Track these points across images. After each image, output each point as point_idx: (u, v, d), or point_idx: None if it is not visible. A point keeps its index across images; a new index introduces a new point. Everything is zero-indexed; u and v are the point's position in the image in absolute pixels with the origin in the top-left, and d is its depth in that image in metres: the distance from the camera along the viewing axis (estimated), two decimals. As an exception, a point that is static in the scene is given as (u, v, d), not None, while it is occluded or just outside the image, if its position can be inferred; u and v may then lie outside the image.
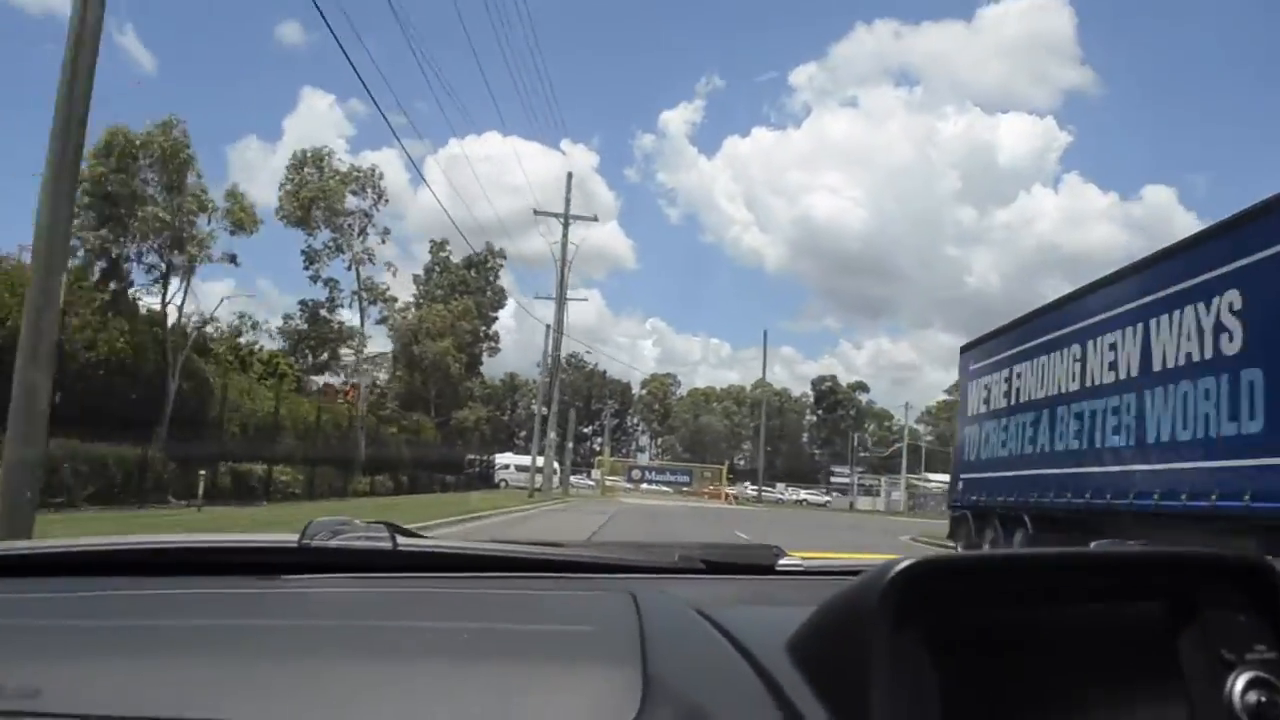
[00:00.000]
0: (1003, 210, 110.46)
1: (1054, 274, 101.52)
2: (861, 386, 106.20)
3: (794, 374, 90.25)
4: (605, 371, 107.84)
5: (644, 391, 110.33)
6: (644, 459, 75.17)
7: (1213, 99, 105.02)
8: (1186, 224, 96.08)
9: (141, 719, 0.69)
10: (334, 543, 1.26)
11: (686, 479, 58.18)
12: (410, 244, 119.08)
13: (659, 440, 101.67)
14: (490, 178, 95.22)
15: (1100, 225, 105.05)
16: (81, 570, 1.17)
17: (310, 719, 0.71)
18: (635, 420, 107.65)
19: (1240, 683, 0.82)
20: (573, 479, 62.29)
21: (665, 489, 57.11)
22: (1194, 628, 0.84)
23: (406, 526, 1.37)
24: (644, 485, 56.12)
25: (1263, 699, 0.81)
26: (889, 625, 0.75)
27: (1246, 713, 0.80)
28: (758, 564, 1.44)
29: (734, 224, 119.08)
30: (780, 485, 75.92)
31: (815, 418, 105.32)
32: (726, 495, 56.49)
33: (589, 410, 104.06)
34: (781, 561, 1.45)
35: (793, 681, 0.79)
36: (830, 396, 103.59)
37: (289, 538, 1.27)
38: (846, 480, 70.76)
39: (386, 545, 1.27)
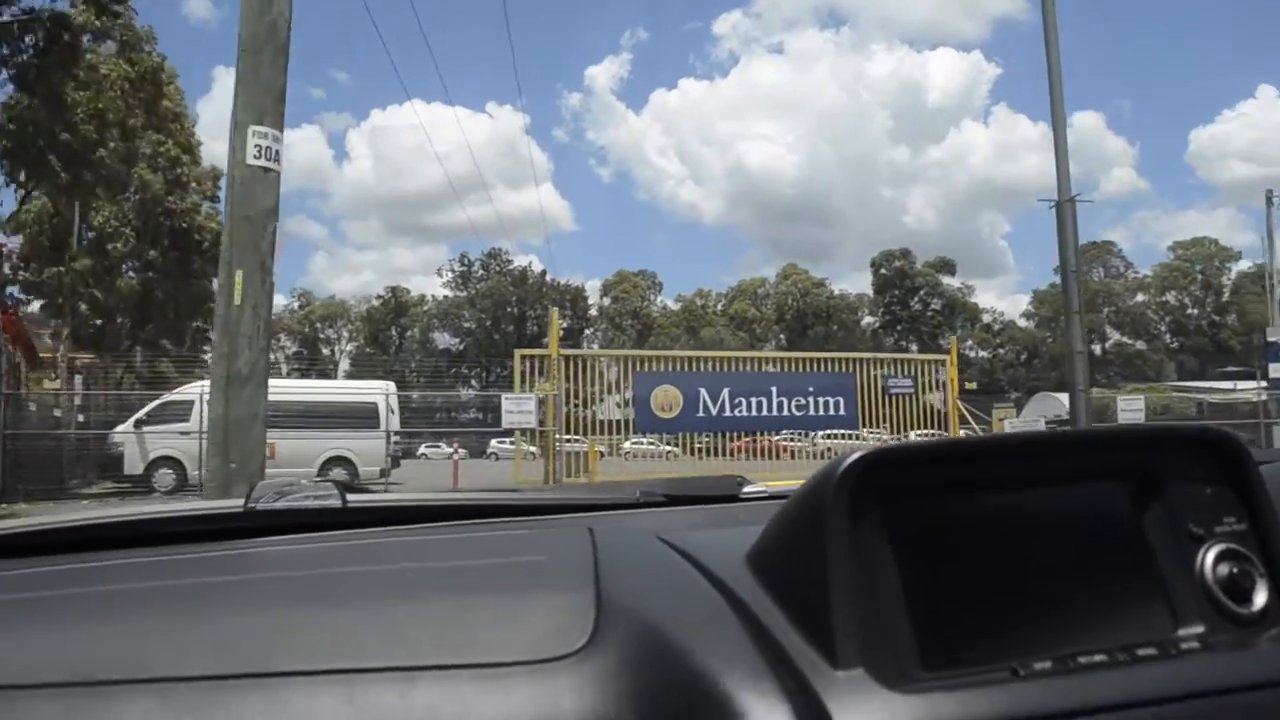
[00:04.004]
0: (935, 148, 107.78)
1: (989, 208, 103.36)
2: (947, 266, 65.67)
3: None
4: (544, 272, 67.27)
5: (607, 300, 69.50)
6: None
7: (1138, 20, 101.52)
8: (1117, 148, 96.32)
9: (96, 682, 0.71)
10: (281, 504, 1.26)
11: (843, 401, 20.12)
12: (339, 222, 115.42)
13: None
14: (414, 147, 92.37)
15: (1031, 156, 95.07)
16: (20, 553, 1.14)
17: (261, 666, 0.73)
18: (593, 345, 67.05)
19: (1211, 555, 0.83)
20: (498, 445, 31.12)
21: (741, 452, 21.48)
22: (1159, 504, 0.84)
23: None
24: (651, 449, 22.13)
25: (1234, 570, 0.82)
26: (844, 520, 0.75)
27: (1219, 585, 0.81)
28: (722, 494, 1.45)
29: (668, 178, 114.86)
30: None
31: (876, 319, 64.86)
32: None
33: (522, 332, 63.54)
34: (746, 489, 1.46)
35: (752, 591, 0.80)
36: (900, 283, 62.99)
37: (234, 503, 1.26)
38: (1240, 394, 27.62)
39: (336, 503, 1.26)
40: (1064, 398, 46.57)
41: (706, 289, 76.12)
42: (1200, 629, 0.79)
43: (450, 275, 73.46)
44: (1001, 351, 69.88)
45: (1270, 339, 28.09)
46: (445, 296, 73.15)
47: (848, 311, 69.72)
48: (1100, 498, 0.85)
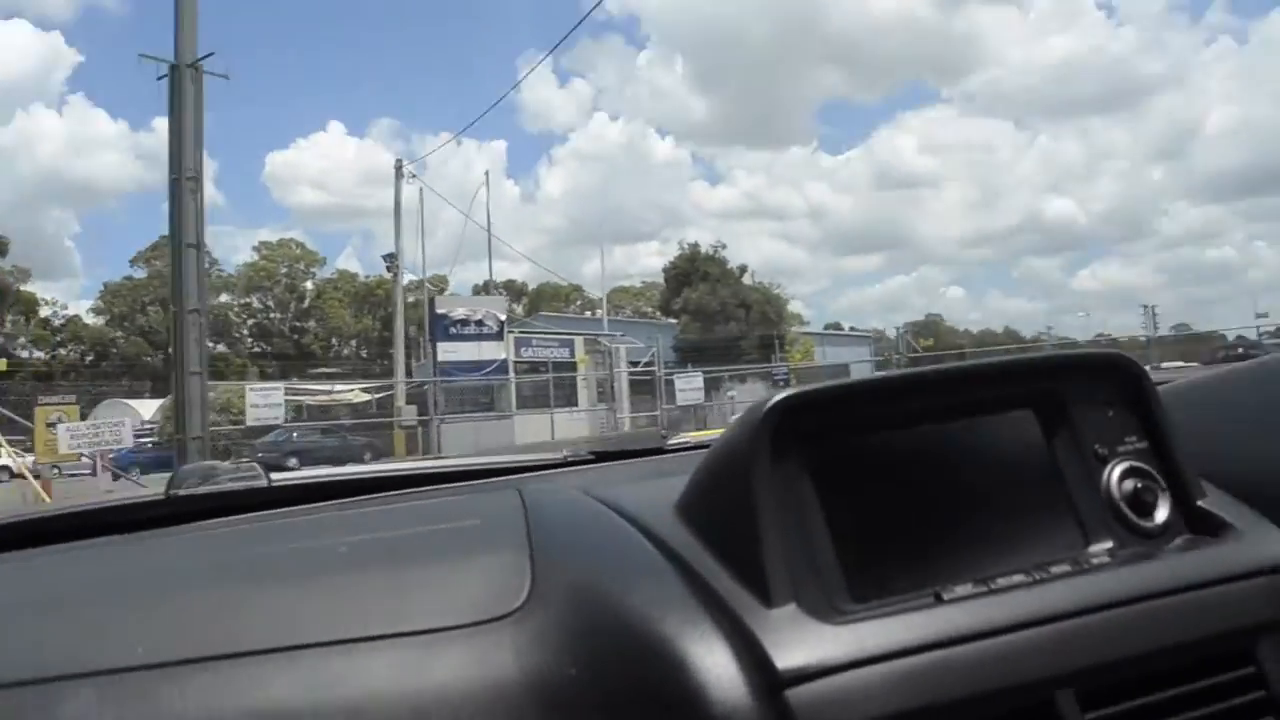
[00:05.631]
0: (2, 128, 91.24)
1: (57, 204, 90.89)
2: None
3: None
4: None
5: None
6: None
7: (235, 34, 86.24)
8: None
9: (37, 680, 0.70)
10: (204, 489, 1.23)
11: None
12: None
13: None
14: None
15: (109, 154, 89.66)
16: None
17: (202, 650, 0.72)
18: None
19: (1116, 474, 0.88)
20: None
21: None
22: (1065, 429, 0.89)
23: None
24: None
25: (1138, 485, 0.87)
26: (768, 463, 0.78)
27: (1124, 501, 0.87)
28: (648, 448, 1.47)
29: None
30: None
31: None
32: None
33: None
34: (671, 442, 1.51)
35: (683, 539, 0.83)
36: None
37: (155, 491, 1.24)
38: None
39: (261, 483, 1.24)
40: (140, 405, 37.88)
41: None
42: (1109, 544, 0.84)
43: None
44: (64, 352, 57.94)
45: (440, 310, 23.29)
46: None
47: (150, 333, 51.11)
48: (1011, 425, 0.88)
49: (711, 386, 25.62)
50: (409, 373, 24.83)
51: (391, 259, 26.18)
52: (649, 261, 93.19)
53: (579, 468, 1.38)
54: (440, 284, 40.06)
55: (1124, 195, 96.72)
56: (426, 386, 22.55)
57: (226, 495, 1.21)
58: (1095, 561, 0.82)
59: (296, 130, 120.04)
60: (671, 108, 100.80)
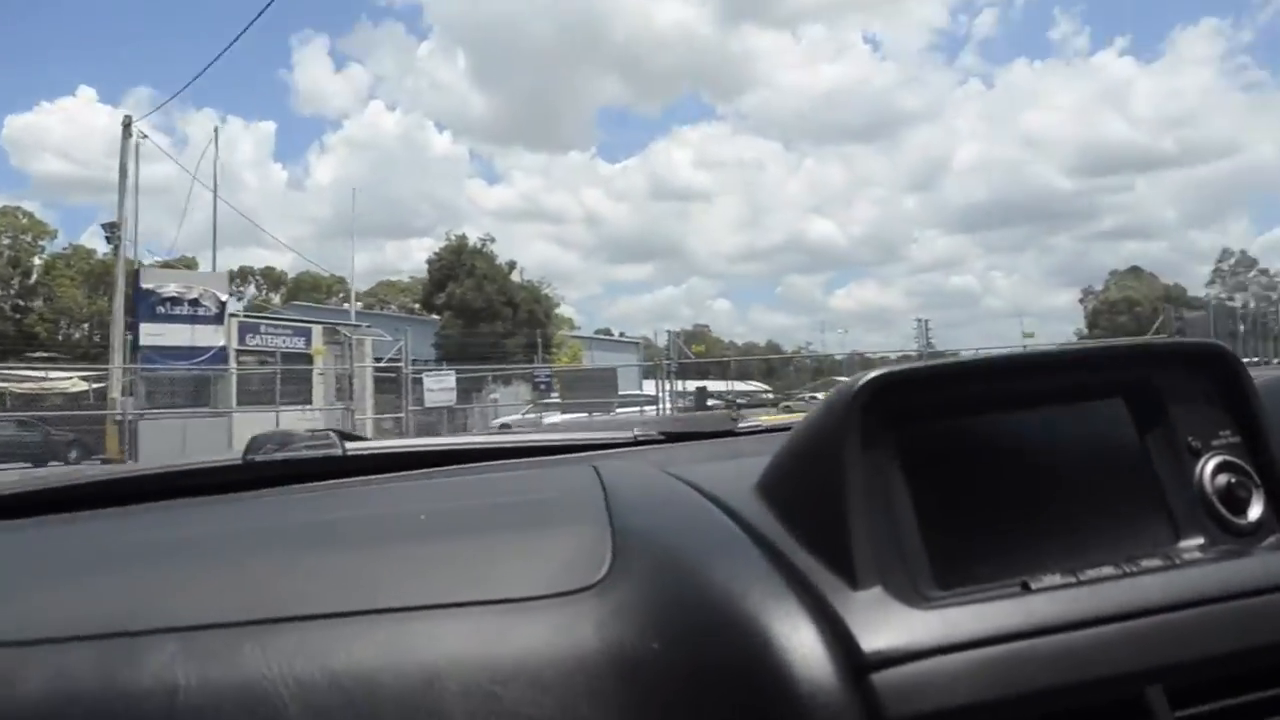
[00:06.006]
0: None
1: None
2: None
3: None
4: None
5: None
6: None
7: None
8: None
9: (124, 633, 0.71)
10: (279, 455, 1.25)
11: None
12: None
13: None
14: None
15: None
16: (33, 510, 1.12)
17: (283, 610, 0.73)
18: None
19: (1209, 468, 0.86)
20: None
21: None
22: (1157, 419, 0.87)
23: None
24: None
25: (1232, 480, 0.85)
26: (857, 440, 0.77)
27: (1217, 495, 0.85)
28: (718, 429, 1.46)
29: None
30: None
31: None
32: None
33: None
34: (742, 425, 1.48)
35: (764, 518, 0.82)
36: None
37: (233, 456, 1.25)
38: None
39: (336, 452, 1.25)
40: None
41: None
42: (1201, 540, 0.82)
43: None
44: None
45: (146, 285, 20.33)
46: None
47: None
48: (1103, 414, 0.87)
49: (473, 388, 24.03)
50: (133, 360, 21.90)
51: (113, 229, 22.94)
52: (421, 257, 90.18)
53: (651, 447, 1.37)
54: (190, 267, 36.47)
55: (880, 221, 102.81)
56: (129, 377, 19.74)
57: (302, 462, 1.22)
58: (1186, 557, 0.79)
59: (40, 93, 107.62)
60: (451, 102, 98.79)
